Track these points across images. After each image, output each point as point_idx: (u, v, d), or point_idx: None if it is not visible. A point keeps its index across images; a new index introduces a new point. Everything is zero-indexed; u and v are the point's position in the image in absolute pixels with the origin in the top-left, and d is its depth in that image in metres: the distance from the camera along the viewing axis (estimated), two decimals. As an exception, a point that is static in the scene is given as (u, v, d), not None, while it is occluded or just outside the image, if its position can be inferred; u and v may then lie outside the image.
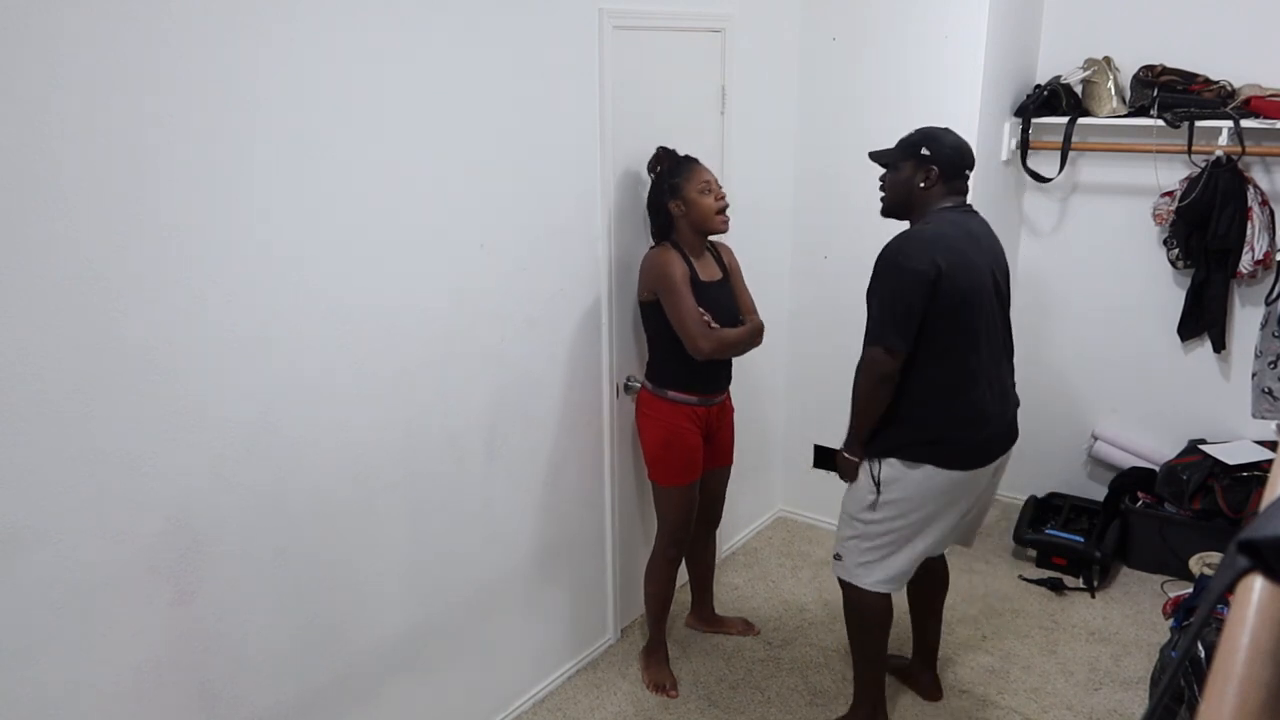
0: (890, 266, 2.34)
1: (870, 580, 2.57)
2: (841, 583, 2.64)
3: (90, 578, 1.78)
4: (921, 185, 2.41)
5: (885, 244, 2.37)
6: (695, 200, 2.67)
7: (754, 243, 3.40)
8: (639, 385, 2.97)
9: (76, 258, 1.68)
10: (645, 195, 2.84)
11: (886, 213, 2.52)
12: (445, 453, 2.48)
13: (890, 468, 2.46)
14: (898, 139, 2.50)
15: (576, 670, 3.10)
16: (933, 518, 2.50)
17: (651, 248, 2.78)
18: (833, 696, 2.98)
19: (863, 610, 2.63)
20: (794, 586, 3.60)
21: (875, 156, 2.54)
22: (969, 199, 2.49)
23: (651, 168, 2.78)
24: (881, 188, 2.51)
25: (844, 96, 3.57)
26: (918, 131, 2.47)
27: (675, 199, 2.69)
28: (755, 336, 2.83)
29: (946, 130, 2.47)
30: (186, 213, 1.82)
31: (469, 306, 2.46)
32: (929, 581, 2.82)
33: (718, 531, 3.23)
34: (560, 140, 2.64)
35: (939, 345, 2.34)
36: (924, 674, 2.97)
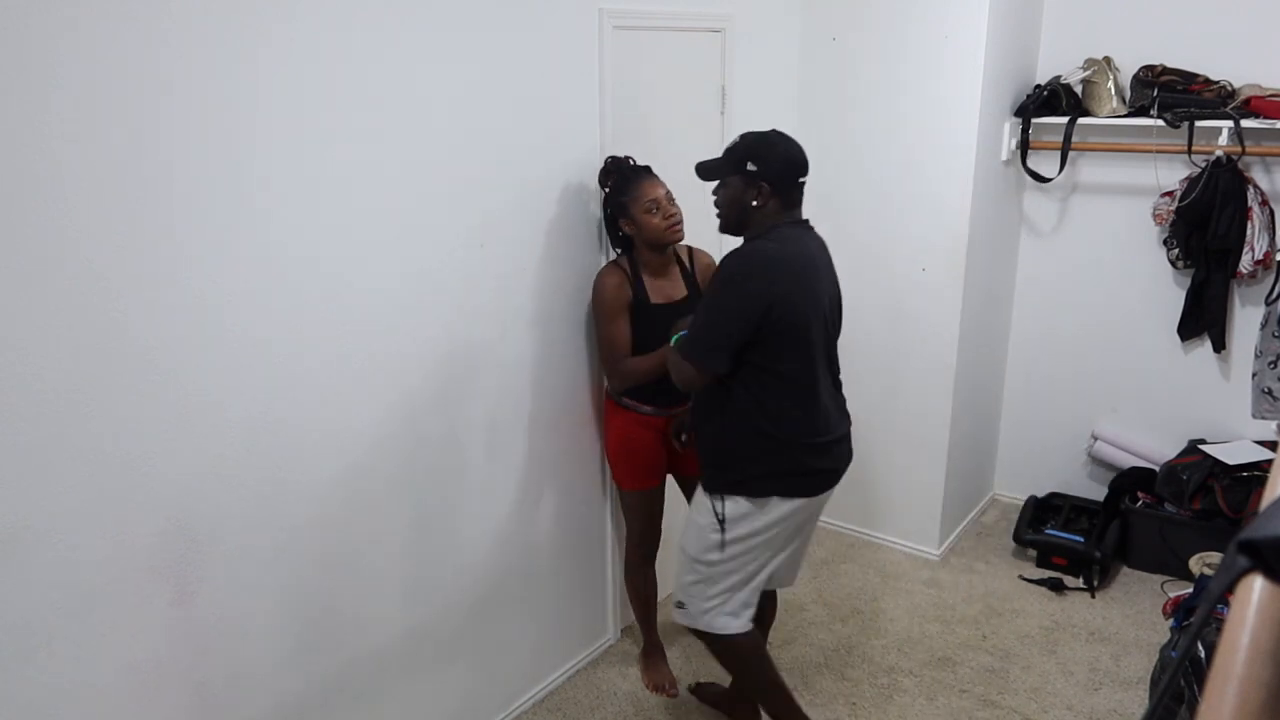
0: (730, 284, 2.19)
1: (722, 625, 2.42)
2: (695, 631, 2.50)
3: (90, 578, 1.78)
4: (754, 204, 2.23)
5: (727, 255, 2.24)
6: (642, 220, 2.58)
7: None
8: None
9: (76, 258, 1.68)
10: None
11: (723, 230, 2.35)
12: (445, 452, 2.48)
13: (735, 504, 2.32)
14: (724, 147, 2.33)
15: (576, 670, 3.10)
16: (778, 550, 2.41)
17: (603, 265, 2.76)
18: (832, 696, 2.98)
19: (732, 651, 2.49)
20: (794, 586, 3.60)
21: (701, 170, 2.36)
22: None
23: (602, 181, 2.70)
24: (716, 203, 2.33)
25: (844, 96, 3.57)
26: (743, 139, 2.28)
27: (624, 218, 2.63)
28: (667, 365, 2.59)
29: (774, 136, 2.27)
30: (186, 213, 1.82)
31: (469, 306, 2.46)
32: (768, 615, 2.73)
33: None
34: (560, 140, 2.64)
35: (782, 372, 2.22)
36: (742, 705, 2.81)
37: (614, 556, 3.15)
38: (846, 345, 2.36)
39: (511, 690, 2.88)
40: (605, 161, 2.69)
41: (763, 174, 2.22)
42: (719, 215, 2.34)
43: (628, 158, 2.69)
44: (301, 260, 2.05)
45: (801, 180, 2.27)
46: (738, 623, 2.43)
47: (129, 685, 1.88)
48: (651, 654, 3.07)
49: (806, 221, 2.33)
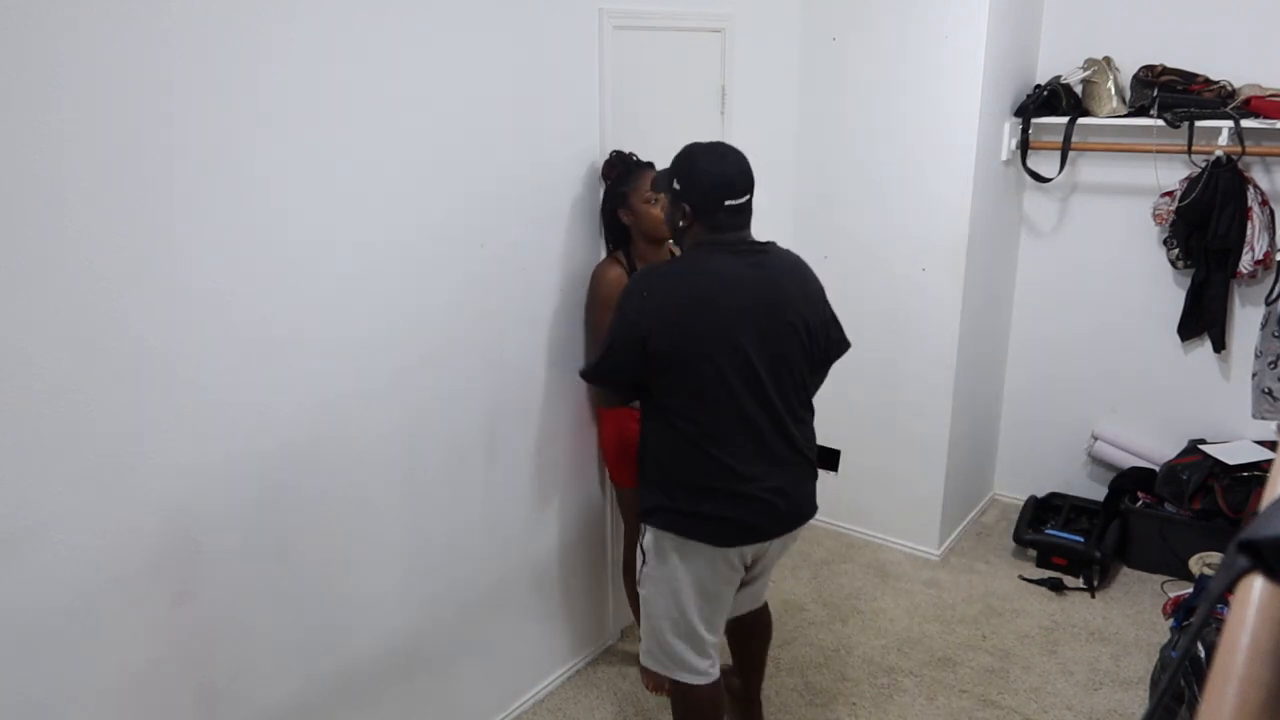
0: (619, 307, 2.09)
1: (653, 666, 2.32)
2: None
3: (90, 578, 1.78)
4: (681, 225, 2.11)
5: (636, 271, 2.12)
6: (641, 210, 2.61)
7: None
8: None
9: (76, 259, 1.68)
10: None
11: (672, 238, 2.26)
12: (445, 453, 2.48)
13: (651, 536, 2.19)
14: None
15: (576, 670, 3.10)
16: (701, 598, 2.18)
17: (600, 259, 2.77)
18: (832, 696, 2.98)
19: (683, 702, 2.34)
20: (794, 586, 3.60)
21: (655, 182, 2.27)
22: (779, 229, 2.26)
23: (605, 174, 2.72)
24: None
25: (844, 96, 3.57)
26: (682, 152, 2.15)
27: (623, 209, 2.65)
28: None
29: (703, 153, 2.10)
30: (186, 215, 1.82)
31: (469, 306, 2.46)
32: (742, 635, 2.58)
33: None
34: (560, 140, 2.64)
35: (669, 408, 2.07)
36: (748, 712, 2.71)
37: (614, 557, 3.15)
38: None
39: (511, 690, 2.88)
40: (609, 155, 2.71)
41: (684, 195, 2.08)
42: (666, 224, 2.26)
43: (631, 153, 2.71)
44: (301, 260, 2.05)
45: (729, 203, 2.05)
46: (692, 671, 2.27)
47: (129, 685, 1.88)
48: None
49: (743, 243, 2.10)
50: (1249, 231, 3.33)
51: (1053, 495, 3.92)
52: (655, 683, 3.01)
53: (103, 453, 1.77)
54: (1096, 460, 3.93)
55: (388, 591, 2.41)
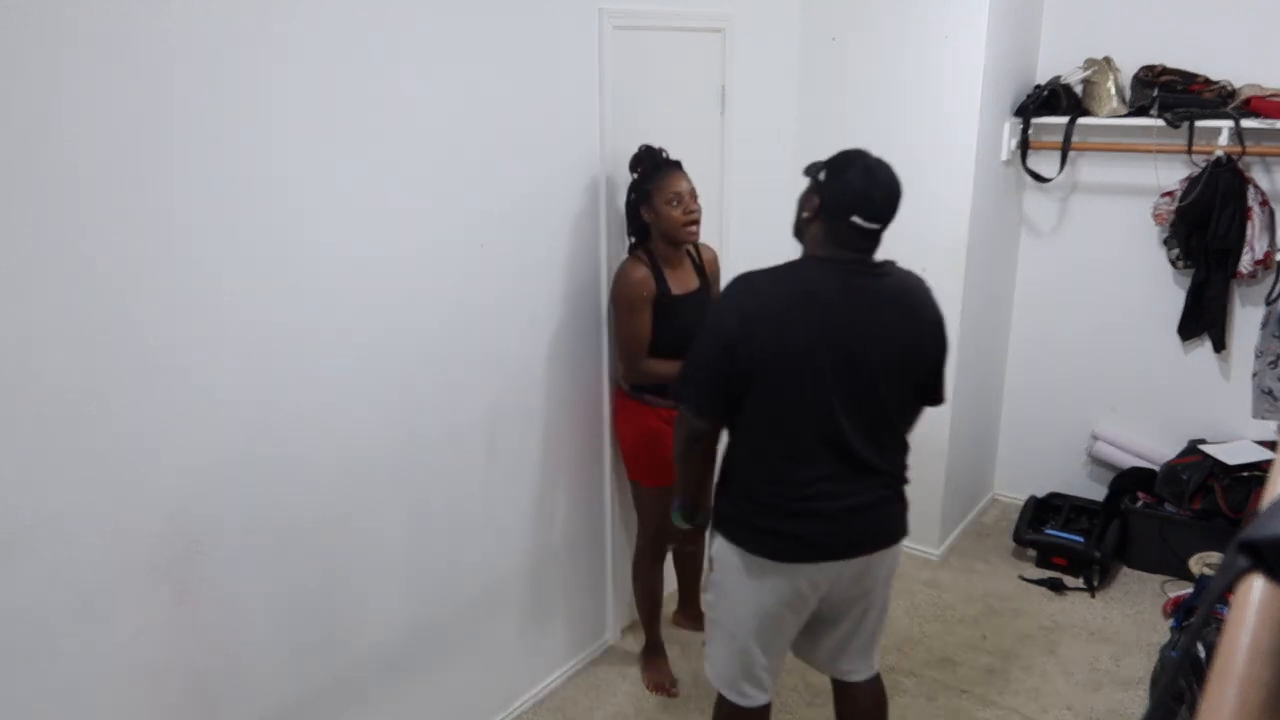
0: (713, 312, 2.05)
1: (709, 673, 2.23)
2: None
3: (90, 578, 1.78)
4: (805, 215, 2.03)
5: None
6: (663, 211, 2.61)
7: (753, 243, 3.39)
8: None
9: (77, 260, 1.68)
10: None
11: (793, 233, 2.13)
12: (445, 452, 2.48)
13: (719, 544, 2.11)
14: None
15: (576, 670, 3.10)
16: (758, 617, 2.08)
17: (625, 258, 2.76)
18: (832, 697, 2.97)
19: (716, 713, 2.27)
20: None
21: (808, 168, 2.17)
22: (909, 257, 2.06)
23: (632, 166, 2.72)
24: None
25: (844, 96, 3.57)
26: (848, 150, 2.09)
27: (645, 206, 2.65)
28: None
29: (869, 164, 2.01)
30: (187, 215, 1.82)
31: (469, 306, 2.46)
32: (849, 707, 2.35)
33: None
34: (560, 140, 2.64)
35: (756, 412, 1.99)
36: None
37: (614, 556, 3.15)
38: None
39: (511, 690, 2.88)
40: (639, 149, 2.70)
41: (821, 189, 2.00)
42: None
43: (661, 149, 2.70)
44: (301, 261, 2.05)
45: (857, 220, 1.93)
46: (718, 684, 2.20)
47: (129, 685, 1.88)
48: (653, 653, 3.07)
49: (857, 262, 1.99)
50: (1249, 231, 3.33)
51: (1053, 495, 3.92)
52: (655, 681, 3.01)
53: (103, 453, 1.77)
54: (1096, 460, 3.93)
55: (388, 591, 2.41)
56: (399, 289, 2.27)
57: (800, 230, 2.07)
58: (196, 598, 1.96)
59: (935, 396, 2.17)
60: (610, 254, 2.85)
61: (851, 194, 1.95)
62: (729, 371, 1.97)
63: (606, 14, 2.67)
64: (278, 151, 1.95)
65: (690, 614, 3.31)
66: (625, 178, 2.83)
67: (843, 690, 2.34)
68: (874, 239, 2.00)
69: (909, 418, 2.15)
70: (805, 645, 2.29)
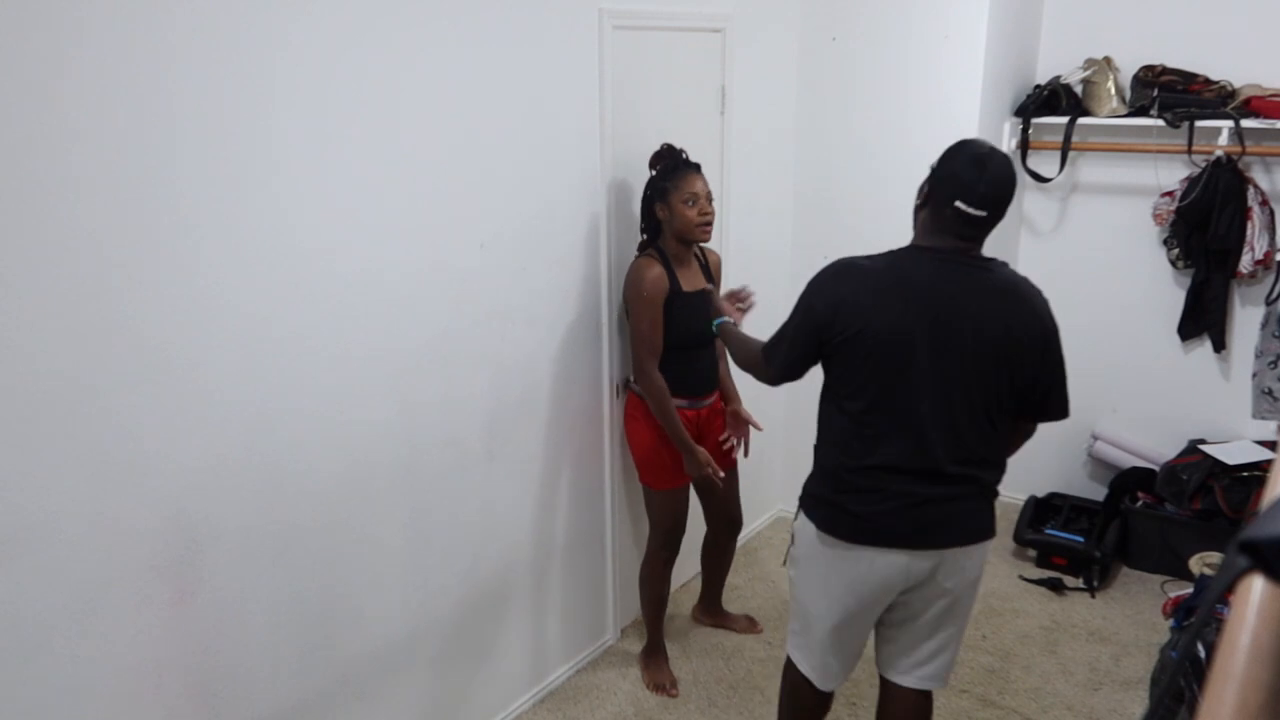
0: (807, 290, 2.07)
1: (790, 648, 2.28)
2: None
3: (90, 578, 1.78)
4: (917, 202, 2.05)
5: None
6: (678, 210, 2.65)
7: (753, 242, 3.40)
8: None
9: (76, 259, 1.68)
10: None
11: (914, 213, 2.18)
12: (445, 452, 2.48)
13: (799, 520, 2.16)
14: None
15: (576, 670, 3.10)
16: (829, 598, 2.10)
17: (637, 256, 2.78)
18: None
19: (786, 684, 2.33)
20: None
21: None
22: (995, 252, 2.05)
23: (652, 164, 2.75)
24: None
25: (844, 96, 3.57)
26: (962, 140, 2.07)
27: (661, 203, 2.69)
28: (692, 455, 2.76)
29: (980, 152, 1.97)
30: (185, 215, 1.82)
31: (469, 306, 2.46)
32: (890, 713, 2.30)
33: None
34: (560, 140, 2.64)
35: (840, 393, 2.04)
36: None
37: (614, 556, 3.15)
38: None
39: (511, 690, 2.88)
40: (660, 146, 2.73)
41: (933, 173, 2.00)
42: None
43: (682, 150, 2.73)
44: (301, 261, 2.04)
45: (961, 206, 1.92)
46: (801, 665, 2.23)
47: (129, 685, 1.88)
48: (654, 653, 3.07)
49: (959, 253, 1.98)
50: (1249, 231, 3.33)
51: (1053, 495, 3.92)
52: (656, 681, 3.01)
53: (103, 452, 1.76)
54: (1096, 460, 3.93)
55: (387, 591, 2.41)
56: (399, 289, 2.27)
57: (914, 220, 2.07)
58: (196, 598, 1.96)
59: (1045, 411, 2.11)
60: (610, 254, 2.85)
61: (956, 180, 1.94)
62: (811, 350, 2.04)
63: (606, 14, 2.67)
64: (278, 152, 1.95)
65: (711, 610, 3.32)
66: (624, 178, 2.84)
67: (889, 694, 2.28)
68: (979, 227, 1.97)
69: (1001, 424, 2.06)
70: (875, 640, 2.28)
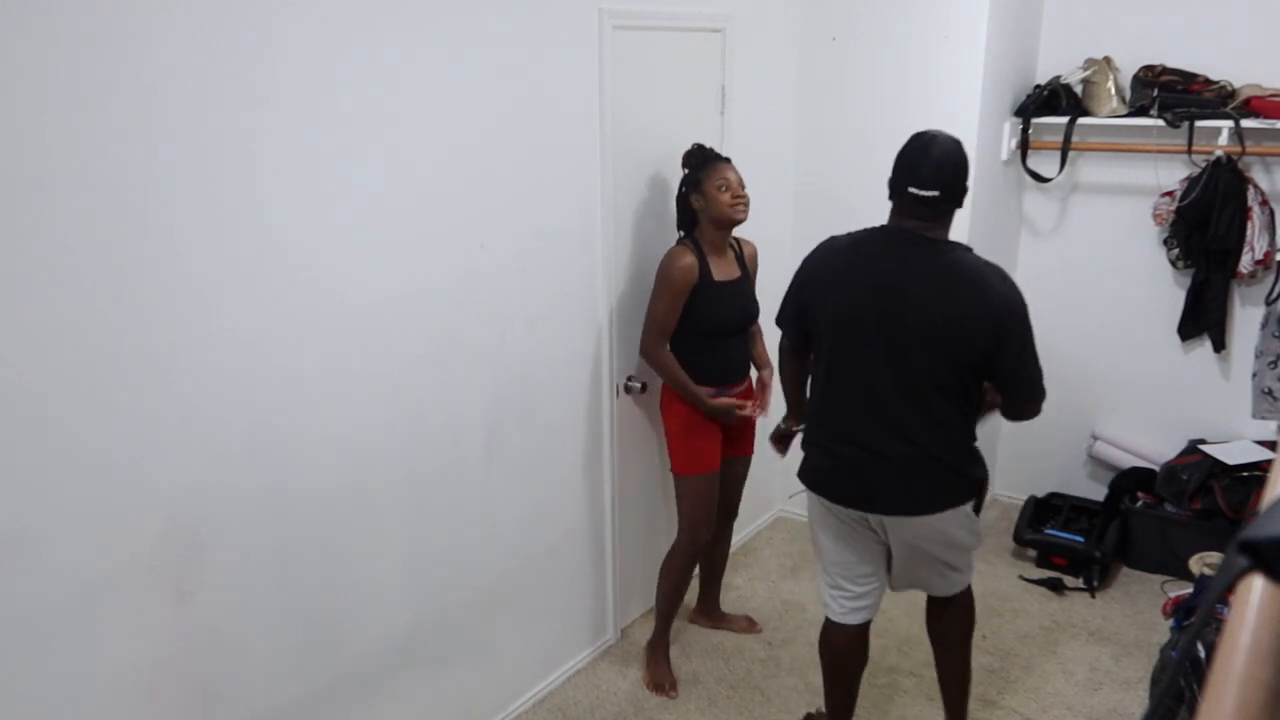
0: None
1: (822, 598, 2.53)
2: None
3: (90, 578, 1.78)
4: (888, 193, 2.25)
5: None
6: (711, 195, 2.72)
7: (754, 241, 3.39)
8: (639, 385, 2.99)
9: (76, 259, 1.68)
10: (646, 194, 2.87)
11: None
12: (445, 452, 2.48)
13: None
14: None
15: (576, 670, 3.10)
16: (814, 532, 2.46)
17: (674, 245, 2.84)
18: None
19: (822, 633, 2.56)
20: (794, 586, 3.60)
21: None
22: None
23: (685, 162, 2.82)
24: None
25: (844, 96, 3.57)
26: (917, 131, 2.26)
27: (696, 193, 2.75)
28: (715, 412, 2.86)
29: (925, 139, 2.18)
30: (186, 214, 1.82)
31: (469, 306, 2.46)
32: (934, 613, 2.57)
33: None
34: (560, 140, 2.64)
35: (814, 355, 2.33)
36: None
37: (614, 556, 3.15)
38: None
39: (511, 690, 2.88)
40: (691, 146, 2.81)
41: (892, 168, 2.23)
42: None
43: (711, 147, 2.82)
44: (301, 260, 2.05)
45: (913, 190, 2.13)
46: (830, 607, 2.48)
47: (129, 685, 1.88)
48: (658, 651, 3.07)
49: (914, 235, 2.16)
50: (1249, 231, 3.33)
51: (1053, 495, 3.92)
52: (656, 680, 3.01)
53: (102, 453, 1.76)
54: (1096, 460, 3.93)
55: (387, 591, 2.41)
56: (399, 289, 2.27)
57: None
58: (196, 598, 1.96)
59: (1010, 390, 2.23)
60: (610, 253, 2.86)
61: (903, 165, 2.19)
62: (796, 307, 2.34)
63: (606, 14, 2.67)
64: (275, 153, 1.95)
65: (708, 610, 3.32)
66: (625, 178, 2.86)
67: (929, 601, 2.58)
68: (933, 206, 2.15)
69: (937, 403, 2.16)
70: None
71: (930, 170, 2.13)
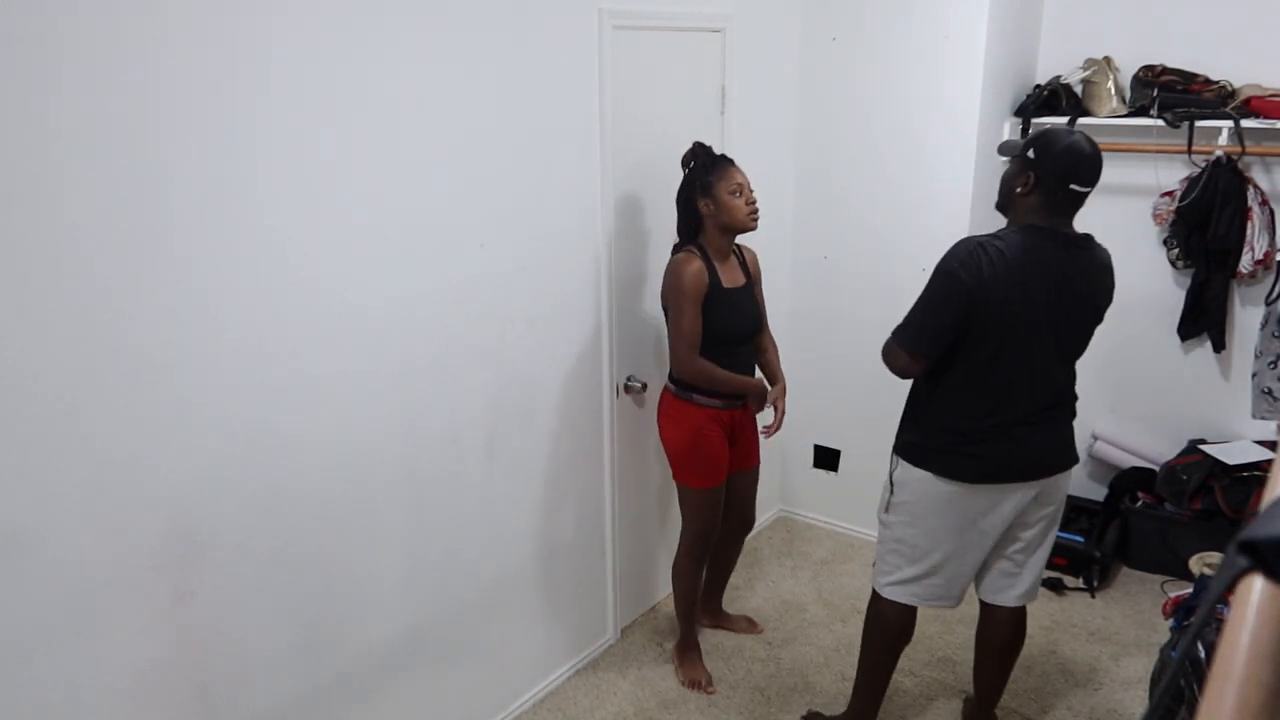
0: (938, 269, 2.26)
1: (881, 583, 2.55)
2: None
3: (90, 578, 1.78)
4: (1019, 190, 2.26)
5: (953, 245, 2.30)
6: (726, 201, 2.63)
7: (754, 242, 3.39)
8: (639, 385, 2.98)
9: (76, 258, 1.68)
10: (646, 194, 2.84)
11: (997, 206, 2.40)
12: (445, 453, 2.48)
13: (901, 469, 2.46)
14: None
15: (576, 670, 3.10)
16: (941, 532, 2.42)
17: (676, 253, 2.75)
18: (833, 696, 2.98)
19: (874, 616, 2.62)
20: (794, 586, 3.60)
21: (1002, 147, 2.41)
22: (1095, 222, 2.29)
23: (685, 162, 2.72)
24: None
25: (844, 96, 3.57)
26: (1045, 129, 2.32)
27: (706, 198, 2.65)
28: (752, 390, 2.83)
29: (1067, 136, 2.24)
30: (186, 213, 1.82)
31: (469, 306, 2.46)
32: (991, 630, 2.66)
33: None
34: (560, 140, 2.64)
35: (969, 358, 2.28)
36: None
37: (614, 556, 3.15)
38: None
39: (511, 690, 2.88)
40: (692, 145, 2.72)
41: (1036, 163, 2.23)
42: (999, 190, 2.38)
43: (710, 146, 2.73)
44: (301, 260, 2.05)
45: (1075, 187, 2.21)
46: (893, 592, 2.52)
47: (129, 685, 1.88)
48: (688, 649, 3.08)
49: (1064, 232, 2.27)
50: (1249, 231, 3.33)
51: (1053, 495, 3.92)
52: (692, 678, 3.02)
53: (103, 453, 1.77)
54: (1096, 460, 3.93)
55: (387, 591, 2.41)
56: (399, 290, 2.27)
57: (1006, 203, 2.34)
58: (196, 598, 1.96)
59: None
60: (610, 254, 2.86)
61: (1072, 162, 2.20)
62: (956, 323, 2.24)
63: (606, 14, 2.67)
64: (276, 153, 1.95)
65: (710, 611, 3.32)
66: (625, 177, 2.84)
67: (990, 613, 2.64)
68: (1081, 204, 2.27)
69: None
70: (982, 570, 2.57)
71: (1090, 168, 2.22)
